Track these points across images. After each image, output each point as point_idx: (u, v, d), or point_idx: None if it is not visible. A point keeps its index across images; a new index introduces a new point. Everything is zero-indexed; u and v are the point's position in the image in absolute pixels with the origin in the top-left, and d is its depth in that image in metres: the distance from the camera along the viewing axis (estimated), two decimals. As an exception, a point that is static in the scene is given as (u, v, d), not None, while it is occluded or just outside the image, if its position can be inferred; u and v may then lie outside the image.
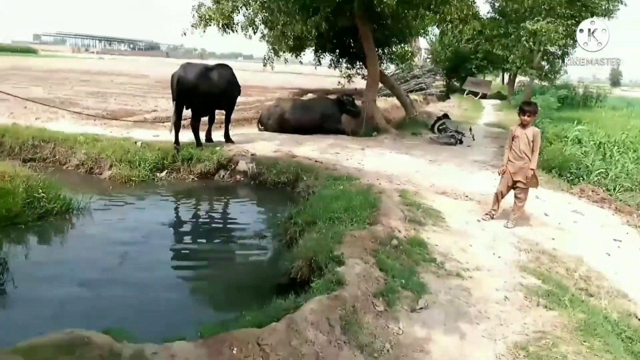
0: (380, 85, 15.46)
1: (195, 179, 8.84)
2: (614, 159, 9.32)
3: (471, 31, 12.98)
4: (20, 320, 4.11)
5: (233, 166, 9.03)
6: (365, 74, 14.86)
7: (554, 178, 8.75)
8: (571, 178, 8.82)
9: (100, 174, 8.74)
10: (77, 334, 2.98)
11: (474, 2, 11.28)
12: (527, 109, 5.79)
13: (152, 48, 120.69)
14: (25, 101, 10.77)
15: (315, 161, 8.98)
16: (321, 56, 15.40)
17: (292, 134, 11.65)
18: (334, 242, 4.70)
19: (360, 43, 13.14)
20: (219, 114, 10.45)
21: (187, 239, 6.67)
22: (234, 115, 10.85)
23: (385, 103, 18.14)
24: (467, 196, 7.17)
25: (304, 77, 32.38)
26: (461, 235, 5.48)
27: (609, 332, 3.58)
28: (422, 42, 30.50)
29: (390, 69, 20.93)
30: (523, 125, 5.81)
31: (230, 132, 10.55)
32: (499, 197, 6.11)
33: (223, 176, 9.00)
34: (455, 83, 34.52)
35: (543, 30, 16.04)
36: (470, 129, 13.29)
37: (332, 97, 13.79)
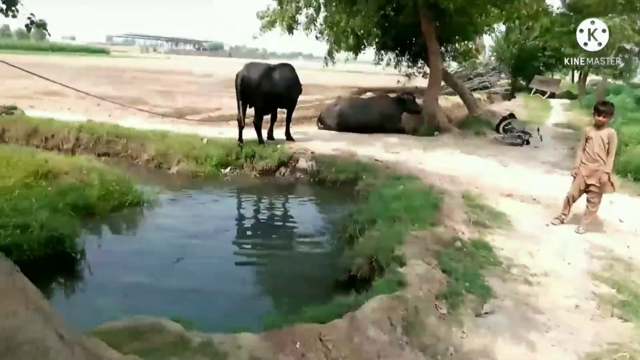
0: (442, 83, 15.11)
1: (257, 175, 9.07)
2: (694, 162, 8.57)
3: (540, 28, 12.38)
4: (95, 304, 4.38)
5: (293, 164, 9.19)
6: (426, 72, 14.59)
7: (629, 182, 8.22)
8: (648, 182, 8.22)
9: (169, 169, 9.17)
10: (150, 320, 3.16)
11: (544, -2, 10.78)
12: (602, 109, 5.49)
13: (216, 48, 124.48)
14: (99, 99, 11.43)
15: (375, 160, 8.95)
16: (382, 54, 15.25)
17: (351, 132, 11.67)
18: (395, 242, 4.68)
19: (422, 40, 12.92)
20: (281, 113, 10.66)
21: (249, 233, 6.88)
22: (294, 114, 11.04)
23: (447, 102, 17.72)
24: (534, 199, 6.88)
25: (363, 75, 32.24)
26: (528, 240, 5.27)
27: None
28: (487, 39, 29.49)
29: (452, 66, 20.40)
30: (597, 126, 5.51)
31: (291, 131, 10.73)
32: (570, 200, 5.82)
33: (284, 173, 9.18)
34: (522, 81, 33.03)
35: (617, 27, 15.01)
36: (538, 130, 12.66)
37: (392, 95, 13.65)
